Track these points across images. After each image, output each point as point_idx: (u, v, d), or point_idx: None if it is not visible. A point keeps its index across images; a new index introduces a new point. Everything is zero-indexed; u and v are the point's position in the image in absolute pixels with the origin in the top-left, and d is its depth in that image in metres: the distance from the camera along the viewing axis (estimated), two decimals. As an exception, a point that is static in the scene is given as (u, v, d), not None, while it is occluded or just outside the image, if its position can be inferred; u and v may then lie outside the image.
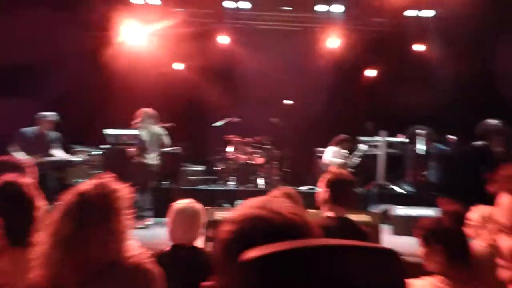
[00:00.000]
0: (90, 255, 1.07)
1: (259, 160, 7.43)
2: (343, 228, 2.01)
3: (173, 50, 7.95)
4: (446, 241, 1.59)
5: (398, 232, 4.78)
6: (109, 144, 6.82)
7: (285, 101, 7.31)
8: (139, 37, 7.58)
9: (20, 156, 4.62)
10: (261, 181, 7.20)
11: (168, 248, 1.95)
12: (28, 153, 4.71)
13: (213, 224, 2.98)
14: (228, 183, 7.16)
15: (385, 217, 5.07)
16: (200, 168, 7.41)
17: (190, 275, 1.29)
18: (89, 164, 6.72)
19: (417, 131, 5.36)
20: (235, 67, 8.16)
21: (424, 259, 1.65)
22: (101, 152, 6.76)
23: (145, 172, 5.30)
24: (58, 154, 5.08)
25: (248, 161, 7.35)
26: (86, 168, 6.72)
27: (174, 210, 2.01)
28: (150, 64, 7.83)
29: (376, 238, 2.78)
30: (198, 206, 2.07)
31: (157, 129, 5.55)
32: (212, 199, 6.00)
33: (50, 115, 5.08)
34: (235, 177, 7.21)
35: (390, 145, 7.05)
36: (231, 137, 7.23)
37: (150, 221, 5.16)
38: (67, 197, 1.13)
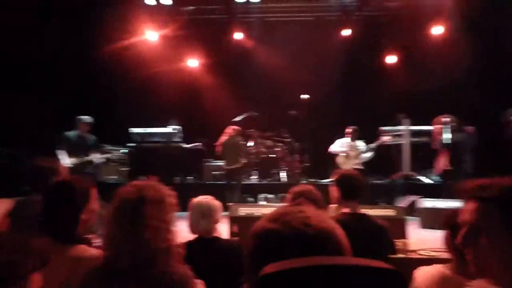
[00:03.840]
0: (146, 240, 1.23)
1: (280, 153, 7.45)
2: (359, 224, 2.05)
3: (187, 48, 8.06)
4: None
5: (425, 225, 4.62)
6: (135, 142, 7.06)
7: (303, 95, 7.24)
8: (155, 37, 7.72)
9: (63, 157, 4.96)
10: (283, 174, 7.22)
11: (192, 239, 2.09)
12: (71, 154, 5.02)
13: (237, 220, 3.04)
14: (251, 177, 7.22)
15: (412, 210, 4.96)
16: (222, 163, 7.51)
17: (212, 264, 1.38)
18: (118, 162, 6.98)
19: (443, 119, 5.18)
20: (250, 61, 8.17)
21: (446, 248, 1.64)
22: (127, 150, 6.99)
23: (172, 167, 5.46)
24: (96, 155, 5.34)
25: (269, 155, 7.38)
26: (116, 166, 6.99)
27: (192, 204, 2.17)
28: (167, 63, 7.95)
29: (401, 232, 2.75)
30: (214, 201, 2.21)
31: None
32: (231, 195, 6.08)
33: (87, 118, 5.34)
34: (257, 171, 7.26)
35: (415, 134, 6.87)
36: (251, 131, 7.27)
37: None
38: (123, 190, 1.31)
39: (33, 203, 1.86)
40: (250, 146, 7.35)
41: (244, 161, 6.47)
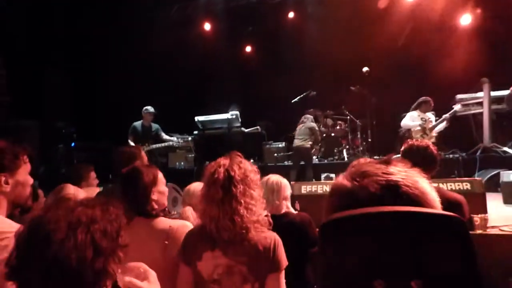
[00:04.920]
0: (241, 216, 1.39)
1: (341, 132, 7.25)
2: None
3: (242, 34, 8.11)
4: None
5: (509, 200, 4.19)
6: (200, 129, 7.45)
7: (363, 68, 6.84)
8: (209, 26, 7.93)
9: (132, 145, 5.50)
10: (345, 153, 7.04)
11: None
12: (138, 142, 5.53)
13: (300, 198, 3.07)
14: (313, 157, 7.17)
15: (494, 184, 4.52)
16: (283, 145, 7.56)
17: (284, 238, 1.46)
18: (184, 149, 7.44)
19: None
20: (304, 40, 7.95)
21: None
22: (192, 138, 7.41)
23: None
24: (161, 142, 5.83)
25: (330, 134, 7.23)
26: (183, 153, 7.46)
27: (261, 182, 2.22)
28: (224, 51, 8.12)
29: (479, 207, 2.54)
30: (282, 179, 2.30)
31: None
32: (297, 175, 6.11)
33: (150, 108, 5.79)
34: (318, 151, 7.18)
35: (497, 100, 6.12)
36: (311, 111, 7.16)
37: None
38: (211, 169, 1.46)
39: (116, 188, 2.11)
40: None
41: (314, 143, 6.49)
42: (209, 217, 1.43)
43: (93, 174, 3.16)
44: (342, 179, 0.60)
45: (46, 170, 6.65)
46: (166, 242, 1.59)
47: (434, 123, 5.64)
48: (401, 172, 0.58)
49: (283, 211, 2.22)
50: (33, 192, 1.50)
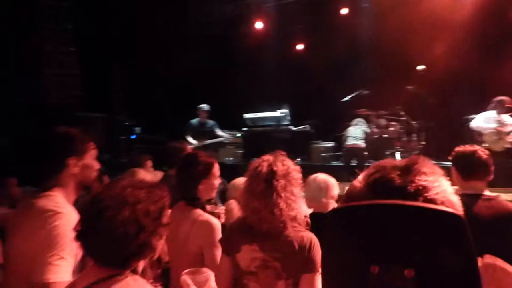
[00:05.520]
0: (280, 210, 1.43)
1: (395, 133, 6.94)
2: (483, 208, 1.80)
3: (292, 32, 8.08)
4: None
5: None
6: (249, 126, 7.63)
7: (419, 67, 6.47)
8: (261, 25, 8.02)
9: (190, 140, 5.97)
10: (398, 155, 6.74)
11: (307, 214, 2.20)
12: (194, 138, 6.04)
13: (341, 198, 3.04)
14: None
15: None
16: (331, 144, 7.44)
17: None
18: (234, 145, 7.67)
19: None
20: (358, 37, 7.70)
21: None
22: (242, 134, 7.61)
23: None
24: (215, 137, 6.27)
25: (382, 135, 6.96)
26: (232, 149, 7.70)
27: (309, 180, 2.28)
28: (275, 49, 8.17)
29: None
30: (330, 178, 2.28)
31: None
32: (347, 175, 5.99)
33: (205, 106, 6.19)
34: (367, 153, 6.96)
35: None
36: (362, 111, 6.96)
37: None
38: (255, 164, 1.53)
39: (170, 177, 2.29)
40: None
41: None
42: (250, 209, 1.48)
43: (149, 163, 3.57)
44: (356, 182, 0.60)
45: (110, 159, 7.29)
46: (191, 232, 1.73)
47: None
48: (420, 181, 0.54)
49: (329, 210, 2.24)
50: (98, 175, 1.68)
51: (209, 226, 1.75)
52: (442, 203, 0.53)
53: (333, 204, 2.25)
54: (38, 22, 7.66)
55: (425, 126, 6.77)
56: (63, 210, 1.32)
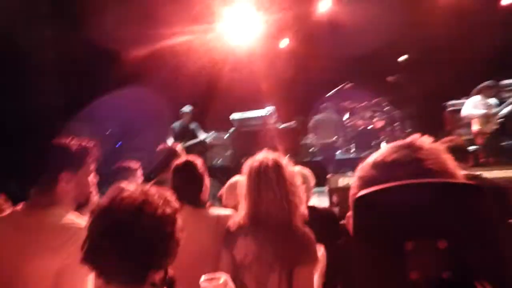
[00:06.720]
0: (278, 203, 1.48)
1: (379, 123, 7.07)
2: None
3: (276, 29, 8.07)
4: None
5: None
6: (236, 127, 7.62)
7: (400, 57, 6.60)
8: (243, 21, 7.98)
9: (172, 143, 5.87)
10: (384, 146, 6.86)
11: None
12: (177, 140, 5.93)
13: (337, 190, 3.10)
14: (351, 151, 7.08)
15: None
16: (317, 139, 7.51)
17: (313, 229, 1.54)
18: (221, 147, 7.65)
19: None
20: (338, 29, 7.78)
21: None
22: (229, 135, 7.60)
23: None
24: (197, 139, 6.23)
25: (367, 127, 7.08)
26: (220, 150, 7.68)
27: None
28: (256, 44, 8.14)
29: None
30: (305, 170, 2.32)
31: None
32: (335, 168, 6.07)
33: (186, 108, 6.17)
34: (354, 144, 7.08)
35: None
36: (346, 103, 7.06)
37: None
38: (252, 162, 1.58)
39: (163, 182, 2.28)
40: (346, 119, 7.16)
41: (336, 136, 6.40)
42: (248, 205, 1.54)
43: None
44: (370, 169, 0.62)
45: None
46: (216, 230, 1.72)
47: (497, 109, 5.28)
48: (430, 156, 0.60)
49: (308, 204, 2.26)
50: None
51: (228, 219, 1.73)
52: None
53: (310, 197, 2.28)
54: None
55: (408, 114, 6.92)
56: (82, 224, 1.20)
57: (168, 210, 0.93)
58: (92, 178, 1.43)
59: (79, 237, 1.12)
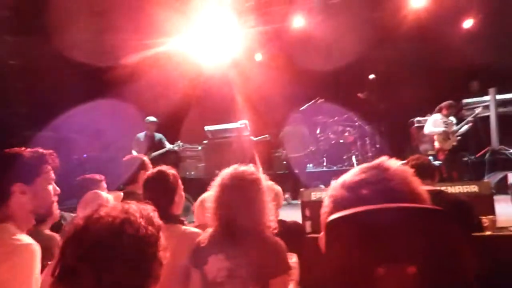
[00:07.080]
0: (248, 216, 1.47)
1: (350, 138, 7.27)
2: (434, 200, 1.97)
3: (251, 41, 8.18)
4: None
5: (517, 201, 4.16)
6: (210, 139, 7.55)
7: (370, 75, 6.90)
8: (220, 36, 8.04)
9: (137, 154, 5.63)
10: (354, 159, 7.05)
11: None
12: (142, 151, 5.71)
13: (310, 204, 3.11)
14: (323, 164, 7.20)
15: (503, 186, 4.49)
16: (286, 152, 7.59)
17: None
18: (195, 159, 7.55)
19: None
20: (310, 45, 8.00)
21: None
22: (203, 147, 7.52)
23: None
24: (161, 150, 6.06)
25: (338, 141, 7.25)
26: (193, 162, 7.57)
27: None
28: (230, 57, 8.20)
29: (487, 209, 2.54)
30: (275, 186, 2.33)
31: None
32: (307, 181, 6.13)
33: (151, 118, 6.05)
34: (325, 158, 7.21)
35: (502, 103, 6.12)
36: (319, 118, 7.22)
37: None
38: (223, 175, 1.57)
39: (132, 194, 2.19)
40: (318, 133, 7.31)
41: (308, 149, 6.49)
42: (219, 220, 1.51)
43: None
44: (340, 189, 0.63)
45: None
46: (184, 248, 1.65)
47: (456, 127, 5.62)
48: (396, 176, 0.61)
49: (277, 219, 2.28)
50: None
51: (198, 237, 1.69)
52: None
53: (278, 215, 2.28)
54: None
55: (377, 130, 7.17)
56: (26, 241, 1.12)
57: (151, 229, 0.86)
58: (54, 188, 1.32)
59: (16, 254, 1.07)
